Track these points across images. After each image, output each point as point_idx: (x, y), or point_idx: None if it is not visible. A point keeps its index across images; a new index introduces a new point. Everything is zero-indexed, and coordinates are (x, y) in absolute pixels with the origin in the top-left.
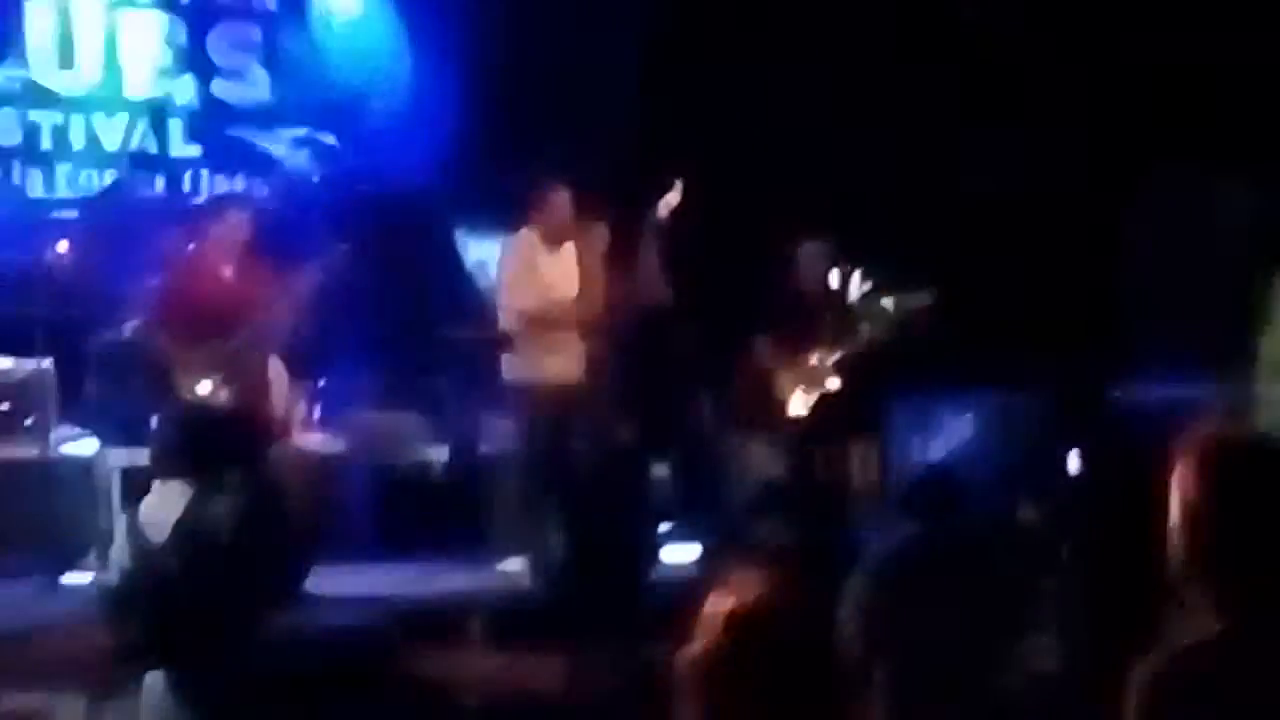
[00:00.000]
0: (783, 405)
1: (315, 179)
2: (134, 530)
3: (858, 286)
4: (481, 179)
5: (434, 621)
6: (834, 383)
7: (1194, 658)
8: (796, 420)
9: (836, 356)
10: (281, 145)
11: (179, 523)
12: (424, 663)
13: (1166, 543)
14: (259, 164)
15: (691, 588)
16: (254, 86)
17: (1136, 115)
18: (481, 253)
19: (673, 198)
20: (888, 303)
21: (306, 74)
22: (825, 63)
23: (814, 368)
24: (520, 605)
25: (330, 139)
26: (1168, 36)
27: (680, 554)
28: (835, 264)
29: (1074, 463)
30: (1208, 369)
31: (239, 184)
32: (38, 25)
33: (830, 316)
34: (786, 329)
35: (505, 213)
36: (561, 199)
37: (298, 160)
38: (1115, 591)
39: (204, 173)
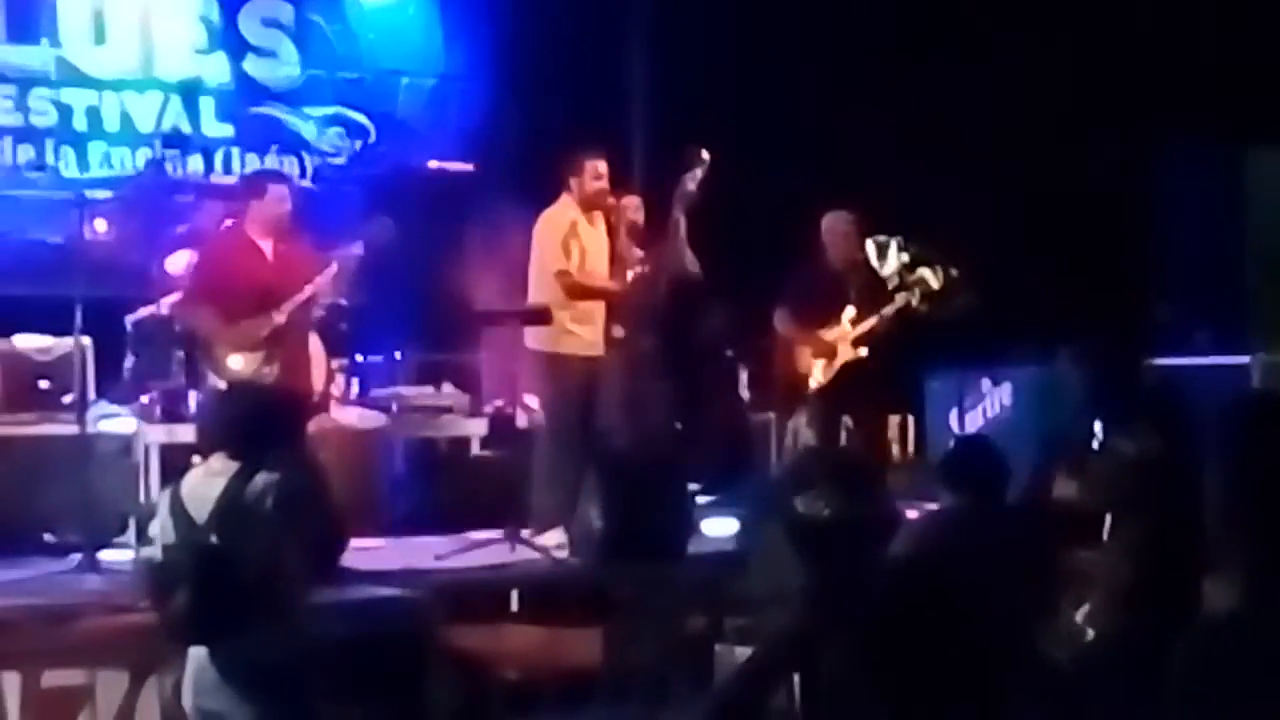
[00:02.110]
0: (817, 376)
1: (347, 156)
2: (177, 506)
3: (895, 257)
4: (514, 153)
5: (473, 595)
6: (869, 353)
7: (1236, 628)
8: (833, 391)
9: (871, 325)
10: (311, 124)
11: (221, 498)
12: (463, 636)
13: (1207, 512)
14: (290, 142)
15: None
16: (285, 64)
17: (1169, 87)
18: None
19: (700, 170)
20: (924, 273)
21: (338, 51)
22: (861, 33)
23: (849, 337)
24: (558, 578)
25: (361, 117)
26: (1201, 6)
27: (718, 527)
28: (871, 234)
29: (1113, 433)
30: (1245, 338)
31: (270, 162)
32: (71, 4)
33: (866, 287)
34: (822, 298)
35: (537, 186)
36: (599, 169)
37: (329, 138)
38: (1157, 562)
39: (235, 151)
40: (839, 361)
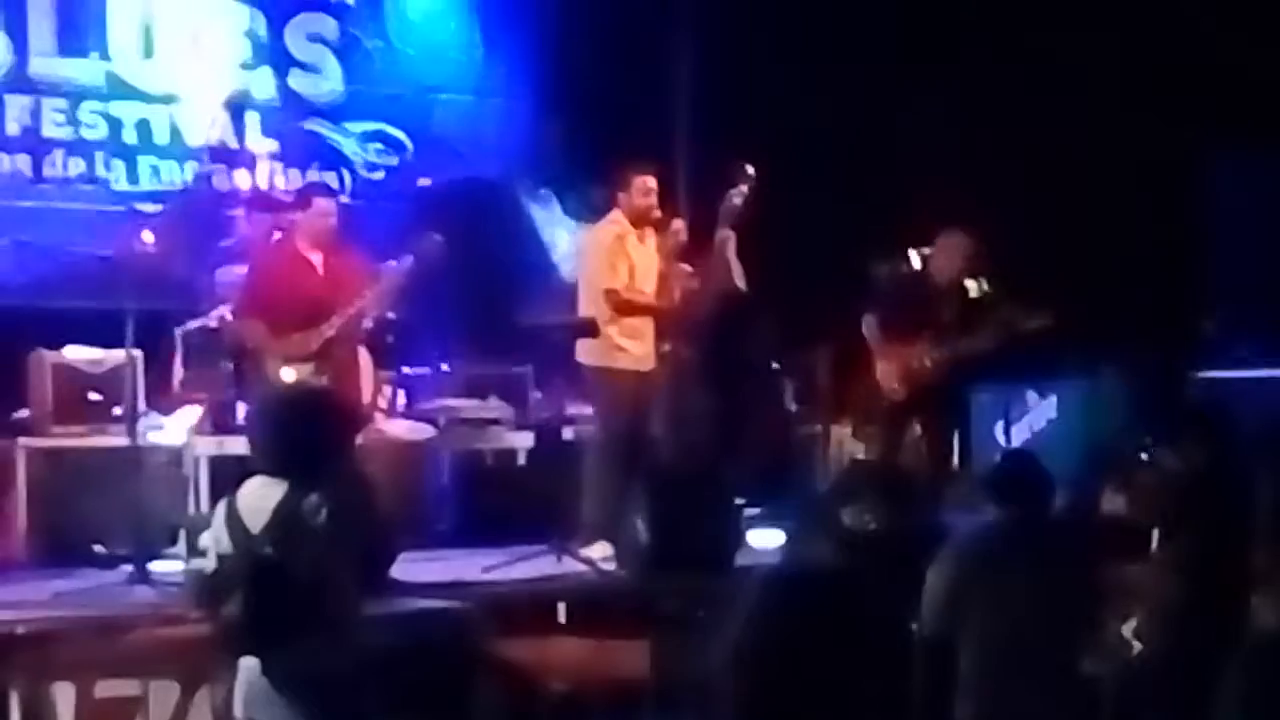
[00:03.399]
0: (881, 390)
1: (386, 172)
2: (233, 518)
3: (981, 288)
4: (560, 170)
5: (520, 607)
6: (938, 373)
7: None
8: (886, 406)
9: (950, 352)
10: (352, 139)
11: (277, 510)
12: (511, 648)
13: (1255, 526)
14: (331, 158)
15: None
16: (328, 79)
17: (1216, 97)
18: (563, 240)
19: (746, 186)
20: (1012, 314)
21: (381, 68)
22: (905, 53)
23: (923, 357)
24: (606, 591)
25: (400, 133)
26: (1242, 20)
27: (765, 539)
28: (974, 259)
29: (1158, 446)
30: None
31: (312, 177)
32: (120, 18)
33: (959, 308)
34: (913, 313)
35: (582, 202)
36: (648, 184)
37: (369, 154)
38: (1204, 576)
39: (279, 166)
40: (919, 377)
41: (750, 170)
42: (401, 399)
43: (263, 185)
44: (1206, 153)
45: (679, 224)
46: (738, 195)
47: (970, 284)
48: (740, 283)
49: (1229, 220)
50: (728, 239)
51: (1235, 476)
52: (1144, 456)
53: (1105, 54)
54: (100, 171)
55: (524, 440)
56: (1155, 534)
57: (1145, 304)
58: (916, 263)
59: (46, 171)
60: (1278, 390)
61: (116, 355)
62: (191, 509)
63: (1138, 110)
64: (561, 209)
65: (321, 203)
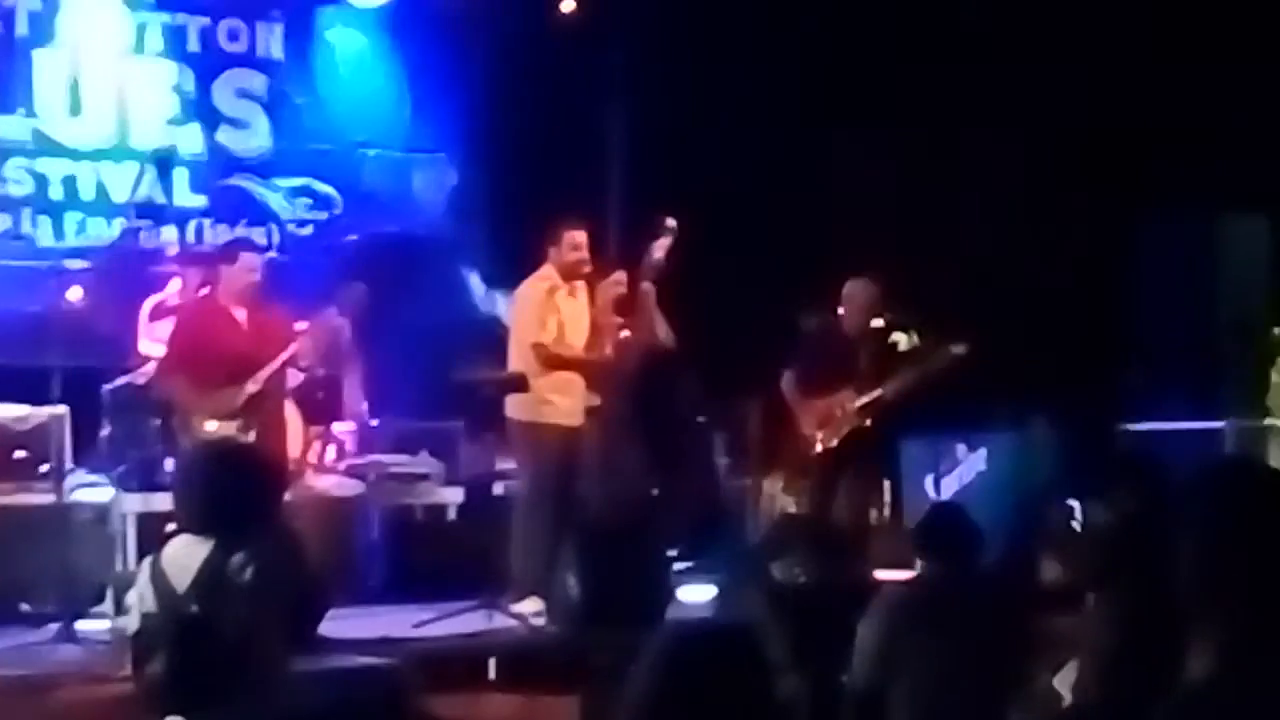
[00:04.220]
0: (807, 443)
1: (315, 227)
2: (157, 576)
3: (901, 330)
4: (487, 223)
5: (451, 663)
6: (862, 422)
7: (1214, 694)
8: (815, 458)
9: (870, 398)
10: (280, 194)
11: (202, 568)
12: (441, 704)
13: (1181, 579)
14: (259, 214)
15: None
16: (257, 135)
17: (1140, 155)
18: (489, 295)
19: (668, 239)
20: (928, 348)
21: (310, 123)
22: (830, 103)
23: (844, 407)
24: (536, 646)
25: (328, 188)
26: (1171, 73)
27: (696, 593)
28: (881, 305)
29: (1087, 498)
30: (1218, 403)
31: (240, 233)
32: (46, 75)
33: (876, 356)
34: (832, 365)
35: (510, 257)
36: (577, 239)
37: (297, 209)
38: (1134, 627)
39: (206, 222)
40: (843, 429)
41: (671, 223)
42: (331, 454)
43: (190, 241)
44: (1133, 208)
45: (620, 275)
46: (659, 248)
47: (886, 330)
48: (665, 336)
49: (1154, 274)
50: (649, 292)
51: (1162, 527)
52: (1072, 508)
53: (1036, 112)
54: (26, 228)
55: (454, 495)
56: (1086, 585)
57: (1073, 357)
58: (824, 316)
59: None
60: (1203, 442)
61: (43, 412)
62: (119, 566)
63: (1064, 167)
64: (490, 264)
65: (247, 258)
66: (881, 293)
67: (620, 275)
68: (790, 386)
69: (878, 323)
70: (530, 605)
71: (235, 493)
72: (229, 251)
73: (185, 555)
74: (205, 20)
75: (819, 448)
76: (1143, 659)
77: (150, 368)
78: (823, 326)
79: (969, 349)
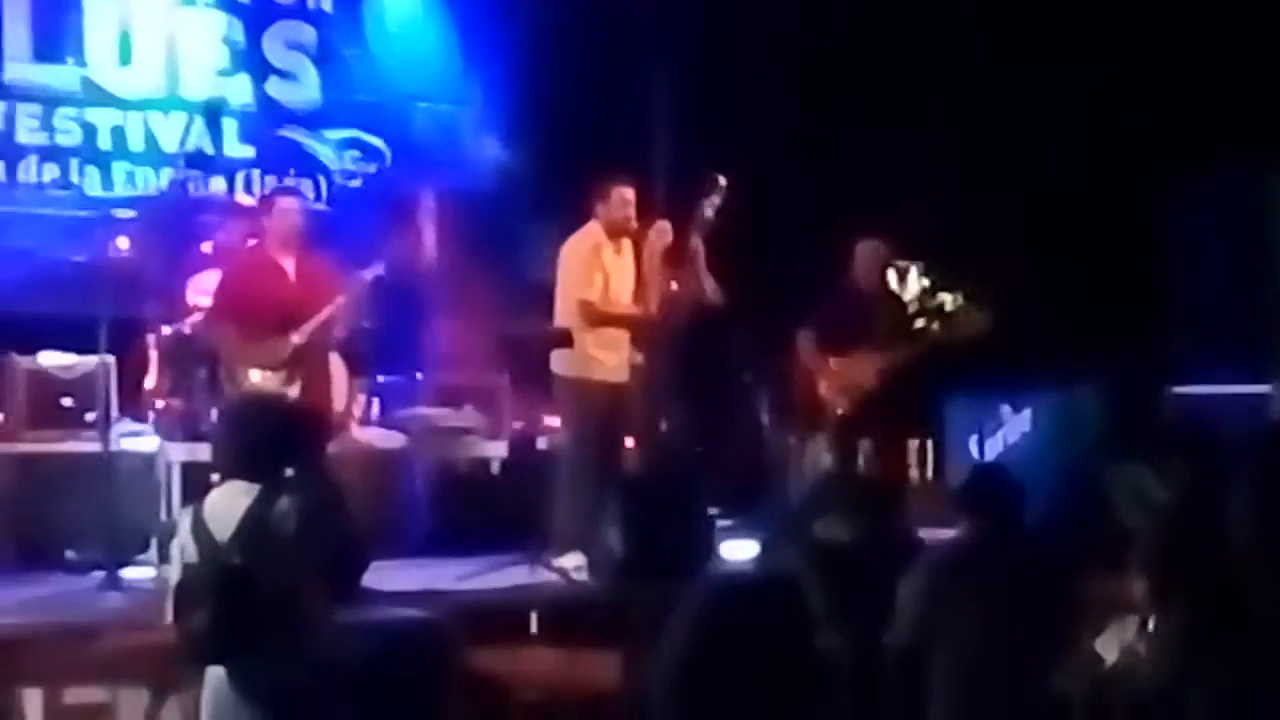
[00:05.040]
0: (836, 401)
1: (363, 179)
2: (199, 526)
3: (915, 282)
4: (536, 178)
5: (493, 617)
6: (888, 379)
7: (1258, 658)
8: (851, 416)
9: (895, 354)
10: (329, 147)
11: (244, 518)
12: (483, 657)
13: (1233, 543)
14: (308, 165)
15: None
16: (306, 87)
17: (1190, 115)
18: (538, 249)
19: (717, 196)
20: (944, 298)
21: (359, 75)
22: (883, 63)
23: (869, 364)
24: (578, 601)
25: (377, 141)
26: (1218, 36)
27: (738, 550)
28: (892, 261)
29: (1132, 460)
30: (1265, 368)
31: (290, 184)
32: (97, 24)
33: (892, 315)
34: (848, 326)
35: (558, 211)
36: (626, 195)
37: (345, 161)
38: (1178, 591)
39: (255, 173)
40: (862, 389)
41: (722, 181)
42: (375, 407)
43: (238, 192)
44: (1181, 168)
45: (665, 224)
46: (709, 206)
47: (904, 289)
48: (712, 293)
49: (1202, 235)
50: (699, 249)
51: (1207, 491)
52: (1117, 470)
53: (1079, 70)
54: (75, 177)
55: (498, 450)
56: (1131, 548)
57: (1121, 318)
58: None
59: (20, 177)
60: (1252, 407)
61: (90, 361)
62: (164, 515)
63: (1113, 125)
64: (541, 217)
65: (284, 202)
66: (888, 249)
67: (665, 224)
68: (807, 348)
69: (894, 284)
70: (572, 560)
71: (279, 441)
72: (268, 199)
73: (227, 505)
74: None
75: (840, 408)
76: (1180, 621)
77: (197, 318)
78: (836, 287)
79: (995, 317)
